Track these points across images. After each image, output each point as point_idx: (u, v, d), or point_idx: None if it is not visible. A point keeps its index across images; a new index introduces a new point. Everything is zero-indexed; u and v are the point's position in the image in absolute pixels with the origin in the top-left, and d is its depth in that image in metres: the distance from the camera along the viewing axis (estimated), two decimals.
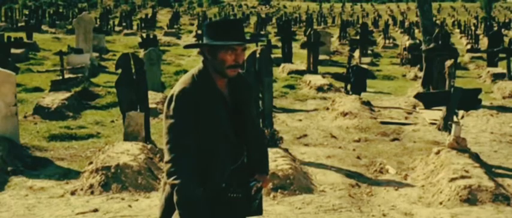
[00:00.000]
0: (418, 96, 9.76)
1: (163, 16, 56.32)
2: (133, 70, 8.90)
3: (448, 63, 9.75)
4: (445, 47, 12.97)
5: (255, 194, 3.40)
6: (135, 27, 40.78)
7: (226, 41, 3.08)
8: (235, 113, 3.23)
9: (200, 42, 3.33)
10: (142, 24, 40.08)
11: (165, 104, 3.14)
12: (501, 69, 18.04)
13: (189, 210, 3.04)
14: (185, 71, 18.50)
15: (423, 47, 13.78)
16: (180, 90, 3.10)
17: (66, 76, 13.88)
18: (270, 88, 8.71)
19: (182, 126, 3.07)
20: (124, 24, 42.56)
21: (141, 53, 14.53)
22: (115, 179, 6.95)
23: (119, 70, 9.08)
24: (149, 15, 47.05)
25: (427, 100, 9.38)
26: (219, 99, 3.16)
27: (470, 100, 8.64)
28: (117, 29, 39.88)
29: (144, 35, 22.17)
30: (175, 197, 3.05)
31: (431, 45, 13.07)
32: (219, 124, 3.13)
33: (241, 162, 3.29)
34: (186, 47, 3.45)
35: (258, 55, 8.63)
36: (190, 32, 38.38)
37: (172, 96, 3.11)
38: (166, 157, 3.09)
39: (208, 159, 3.13)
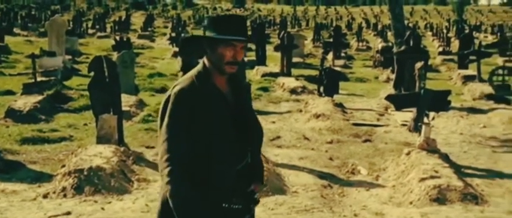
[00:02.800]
0: (388, 98, 9.90)
1: (137, 19, 56.13)
2: (106, 73, 8.88)
3: (418, 65, 9.91)
4: (415, 49, 13.16)
5: (253, 206, 3.25)
6: (108, 30, 40.58)
7: (227, 36, 3.02)
8: (237, 112, 3.13)
9: (201, 36, 3.24)
10: (116, 27, 39.88)
11: (162, 104, 3.07)
12: (472, 71, 18.33)
13: (185, 212, 2.96)
14: (159, 74, 18.53)
15: (395, 50, 13.97)
16: (177, 90, 3.03)
17: (39, 79, 13.78)
18: None
19: (177, 127, 3.00)
20: (97, 26, 42.34)
21: (115, 56, 14.49)
22: (88, 182, 6.94)
23: (92, 73, 9.06)
24: (123, 18, 46.82)
25: (397, 101, 9.52)
26: (219, 98, 3.08)
27: (440, 101, 8.79)
28: (90, 31, 39.68)
29: (117, 37, 22.07)
30: (170, 202, 2.98)
31: (403, 48, 13.26)
32: (219, 124, 3.03)
33: (246, 162, 3.16)
34: (186, 40, 3.46)
35: None
36: (164, 34, 38.27)
37: (169, 96, 3.05)
38: (161, 158, 3.01)
39: (210, 160, 3.02)
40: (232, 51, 3.02)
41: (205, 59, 3.10)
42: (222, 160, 3.01)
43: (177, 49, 22.06)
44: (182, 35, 27.24)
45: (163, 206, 3.06)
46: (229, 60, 3.02)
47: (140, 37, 35.19)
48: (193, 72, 3.10)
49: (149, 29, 42.35)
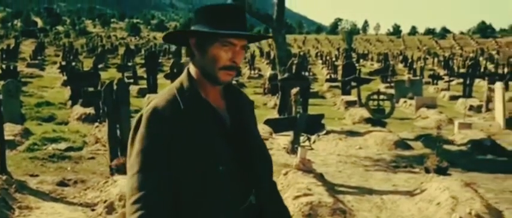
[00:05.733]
0: (267, 122, 10.41)
1: (27, 47, 54.68)
2: None
3: (294, 91, 10.52)
4: (297, 76, 13.89)
5: None
6: None
7: (223, 30, 2.20)
8: (236, 136, 2.30)
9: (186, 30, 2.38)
10: (4, 55, 38.71)
11: (133, 126, 2.25)
12: (353, 96, 19.42)
13: None
14: (47, 103, 18.28)
15: (279, 77, 14.64)
16: (151, 107, 2.20)
17: None
18: (127, 118, 9.00)
19: (151, 156, 2.15)
20: None
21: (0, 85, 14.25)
22: None
23: None
24: (11, 46, 45.45)
25: (275, 125, 10.05)
26: (211, 118, 2.25)
27: (314, 124, 9.39)
28: None
29: (3, 66, 21.56)
30: None
31: (286, 75, 13.94)
32: (211, 153, 2.18)
33: (250, 204, 2.28)
34: (166, 38, 2.39)
35: (115, 86, 8.93)
36: (55, 63, 37.59)
37: (141, 116, 2.23)
38: (129, 198, 2.15)
39: (199, 202, 2.18)
40: (230, 52, 2.22)
41: (190, 66, 2.31)
42: (215, 202, 2.18)
43: (66, 78, 21.83)
44: (73, 63, 26.93)
45: None
46: (226, 63, 2.21)
47: (29, 65, 34.41)
48: (174, 83, 2.30)
49: (39, 57, 41.46)
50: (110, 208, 7.14)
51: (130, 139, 2.22)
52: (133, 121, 2.23)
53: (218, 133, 2.22)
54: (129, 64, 33.88)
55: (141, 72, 26.76)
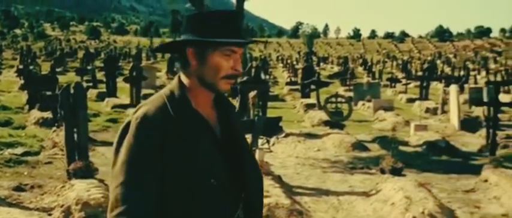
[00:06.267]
0: None
1: None
2: None
3: (252, 94, 10.63)
4: (256, 79, 14.01)
5: None
6: None
7: (225, 38, 2.11)
8: (227, 147, 2.19)
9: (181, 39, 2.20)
10: None
11: (118, 134, 2.13)
12: (313, 99, 19.63)
13: None
14: (4, 107, 17.99)
15: (238, 80, 14.73)
16: (140, 114, 2.09)
17: None
18: (84, 121, 8.96)
19: (139, 166, 2.04)
20: None
21: None
22: None
23: None
24: None
25: None
26: (204, 129, 2.14)
27: (272, 127, 9.49)
28: None
29: None
30: None
31: (245, 79, 14.05)
32: (204, 166, 2.09)
33: None
34: (158, 49, 2.37)
35: (72, 90, 8.89)
36: (12, 66, 37.04)
37: (129, 123, 2.11)
38: (110, 211, 2.05)
39: (187, 214, 2.07)
40: (231, 60, 2.14)
41: (181, 74, 2.19)
42: (203, 215, 2.09)
43: (23, 81, 21.54)
44: (31, 67, 26.56)
45: None
46: (228, 72, 2.14)
47: None
48: (163, 90, 2.19)
49: None
50: (67, 213, 7.11)
51: (115, 147, 2.10)
52: (120, 128, 2.12)
53: (210, 144, 2.12)
54: (89, 67, 33.54)
55: (100, 75, 26.52)
